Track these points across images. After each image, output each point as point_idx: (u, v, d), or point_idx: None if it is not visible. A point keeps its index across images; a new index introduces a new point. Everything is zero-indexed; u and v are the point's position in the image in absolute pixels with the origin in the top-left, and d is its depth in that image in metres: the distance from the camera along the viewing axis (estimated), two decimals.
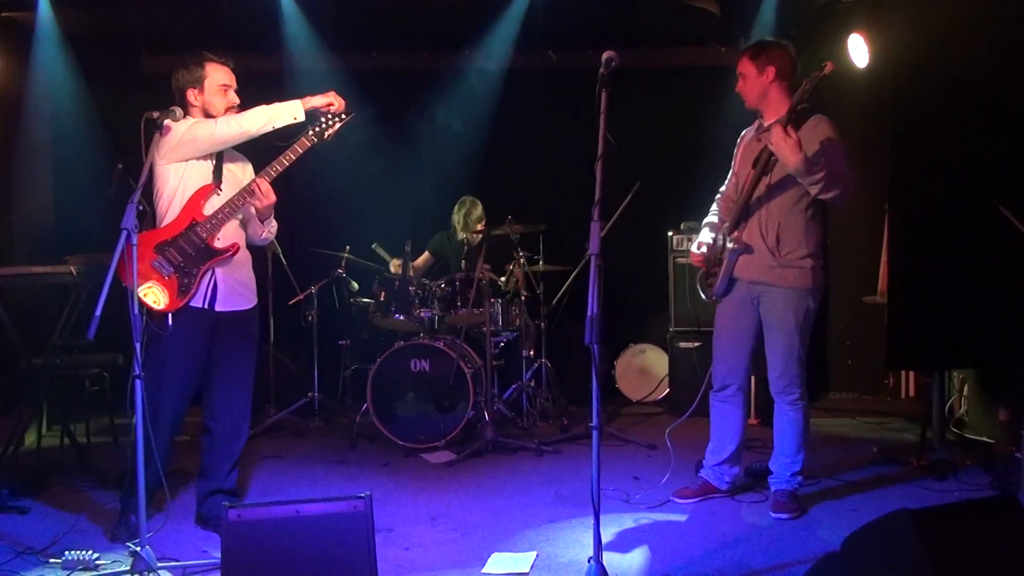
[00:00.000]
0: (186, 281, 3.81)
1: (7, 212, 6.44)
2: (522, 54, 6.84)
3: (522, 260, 5.87)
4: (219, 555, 3.59)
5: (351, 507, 2.86)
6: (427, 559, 3.65)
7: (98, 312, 3.15)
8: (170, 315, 3.77)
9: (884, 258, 5.55)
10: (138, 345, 3.31)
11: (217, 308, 3.92)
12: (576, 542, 3.82)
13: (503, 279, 6.01)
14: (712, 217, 4.42)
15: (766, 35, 6.07)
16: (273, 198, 3.93)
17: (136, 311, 3.32)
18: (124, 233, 3.29)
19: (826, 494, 4.39)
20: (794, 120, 3.89)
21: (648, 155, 6.58)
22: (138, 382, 3.32)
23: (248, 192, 3.89)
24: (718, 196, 4.46)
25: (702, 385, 4.42)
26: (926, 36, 5.15)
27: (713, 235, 4.33)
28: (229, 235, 3.95)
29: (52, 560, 3.61)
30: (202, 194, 3.91)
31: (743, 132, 4.37)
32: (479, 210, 6.44)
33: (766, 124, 4.13)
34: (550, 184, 7.03)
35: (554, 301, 6.23)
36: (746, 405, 4.34)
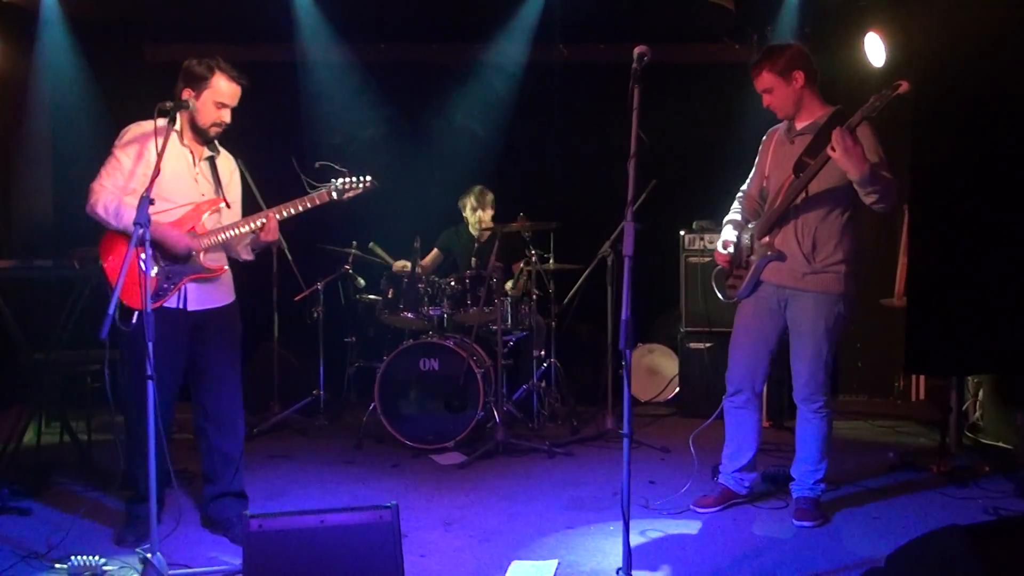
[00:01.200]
0: (165, 286, 3.70)
1: (5, 203, 6.30)
2: (532, 48, 6.74)
3: (533, 258, 5.77)
4: (229, 561, 3.54)
5: (377, 517, 2.76)
6: (445, 567, 3.55)
7: (111, 310, 3.04)
8: (136, 313, 3.64)
9: (903, 260, 5.47)
10: (151, 344, 3.18)
11: (190, 308, 3.80)
12: (597, 549, 3.72)
13: (509, 283, 5.90)
14: (735, 215, 4.28)
15: (786, 32, 6.01)
16: (277, 236, 3.88)
17: (149, 309, 3.20)
18: (137, 229, 3.17)
19: (846, 501, 4.31)
20: (832, 124, 3.74)
21: (659, 152, 6.48)
22: (150, 383, 3.20)
23: (256, 223, 3.81)
24: (740, 195, 4.32)
25: (714, 387, 4.31)
26: (945, 34, 5.08)
27: (737, 234, 4.20)
28: (215, 254, 3.87)
29: (58, 566, 3.48)
30: (208, 206, 3.81)
31: (769, 131, 4.22)
32: (490, 196, 6.30)
33: (798, 127, 4.00)
34: (560, 181, 6.93)
35: (565, 301, 6.12)
36: (760, 408, 4.22)
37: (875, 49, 6.10)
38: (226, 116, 3.80)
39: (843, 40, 6.29)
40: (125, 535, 3.79)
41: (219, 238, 3.80)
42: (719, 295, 4.29)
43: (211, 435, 3.91)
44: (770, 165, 4.13)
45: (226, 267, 3.93)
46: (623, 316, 2.89)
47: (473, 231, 6.32)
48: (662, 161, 6.43)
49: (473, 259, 5.76)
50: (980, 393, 5.60)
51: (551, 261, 6.04)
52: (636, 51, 3.17)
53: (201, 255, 3.77)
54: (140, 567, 3.27)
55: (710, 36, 6.92)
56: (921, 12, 5.49)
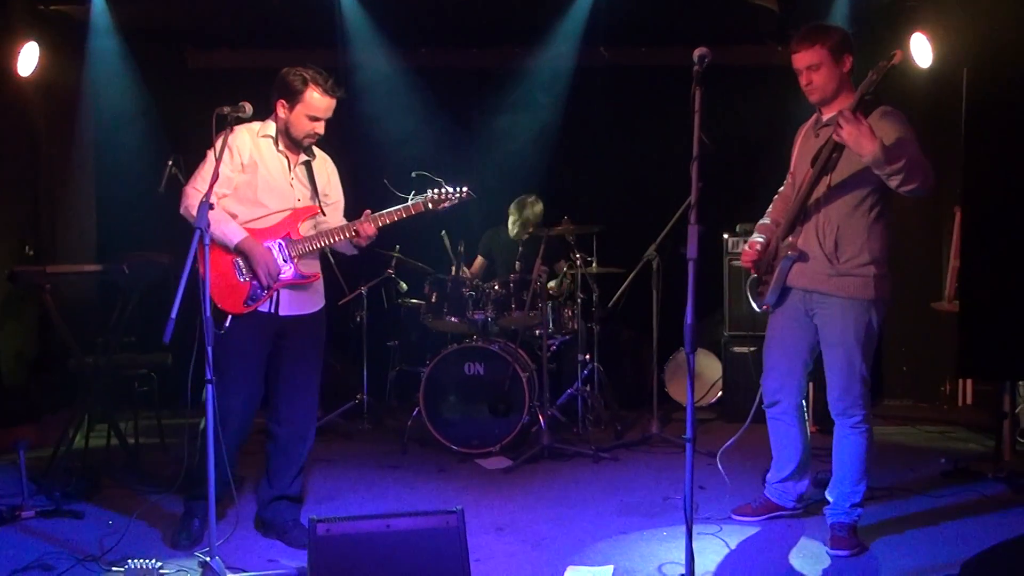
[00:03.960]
0: (259, 292, 3.70)
1: (52, 209, 6.34)
2: (576, 52, 6.71)
3: (578, 262, 5.75)
4: (286, 565, 3.54)
5: (443, 522, 2.75)
6: (500, 571, 3.53)
7: (174, 314, 3.05)
8: (230, 317, 3.66)
9: (954, 263, 5.39)
10: (210, 349, 3.21)
11: (281, 313, 3.81)
12: (651, 555, 3.69)
13: (552, 282, 5.88)
14: (766, 219, 4.08)
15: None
16: (373, 236, 3.87)
17: (208, 313, 3.21)
18: (198, 233, 3.19)
19: (904, 509, 4.23)
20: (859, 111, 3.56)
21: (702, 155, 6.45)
22: (209, 387, 3.22)
23: (351, 231, 3.81)
24: (776, 197, 4.15)
25: (757, 391, 4.16)
26: (995, 34, 5.02)
27: (766, 236, 3.98)
28: (310, 260, 3.88)
29: (115, 568, 3.51)
30: (305, 213, 3.81)
31: (800, 127, 4.03)
32: (539, 206, 6.28)
33: (825, 119, 3.76)
34: (603, 184, 6.89)
35: (610, 304, 6.08)
36: (803, 420, 4.01)
37: (921, 50, 6.03)
38: (320, 128, 3.74)
39: (888, 41, 6.18)
40: (179, 538, 3.79)
41: (314, 246, 3.80)
42: (754, 305, 4.04)
43: (279, 438, 3.91)
44: (796, 161, 3.95)
45: (319, 273, 3.94)
46: (687, 321, 2.86)
47: (512, 234, 6.30)
48: (704, 163, 6.39)
49: (517, 263, 5.73)
50: None
51: (594, 264, 6.01)
52: (696, 53, 3.09)
53: (296, 262, 3.77)
54: (198, 571, 3.28)
55: (753, 38, 6.87)
56: (970, 12, 5.43)
